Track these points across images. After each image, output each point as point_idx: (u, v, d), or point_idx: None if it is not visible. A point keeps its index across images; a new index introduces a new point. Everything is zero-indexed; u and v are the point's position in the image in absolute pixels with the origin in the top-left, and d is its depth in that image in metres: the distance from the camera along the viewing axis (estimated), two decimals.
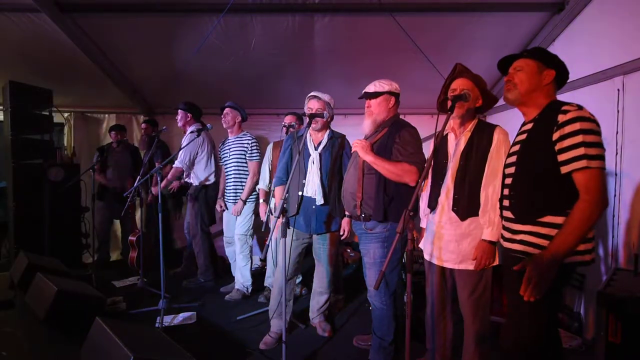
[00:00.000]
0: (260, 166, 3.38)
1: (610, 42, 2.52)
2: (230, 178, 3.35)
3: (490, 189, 1.81)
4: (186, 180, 3.68)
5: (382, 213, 2.07)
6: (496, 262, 1.87)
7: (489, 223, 1.80)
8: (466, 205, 1.85)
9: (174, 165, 3.49)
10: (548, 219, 1.43)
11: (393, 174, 2.02)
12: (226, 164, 3.40)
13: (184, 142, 3.43)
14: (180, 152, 3.42)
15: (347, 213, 2.43)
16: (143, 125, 4.34)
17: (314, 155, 2.48)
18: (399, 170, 2.01)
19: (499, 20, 3.01)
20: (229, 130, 3.41)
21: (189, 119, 3.59)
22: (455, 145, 1.93)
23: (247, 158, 3.31)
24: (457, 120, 1.94)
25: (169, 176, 3.49)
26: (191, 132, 3.44)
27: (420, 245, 2.11)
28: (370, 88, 2.18)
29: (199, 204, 3.56)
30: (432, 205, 1.99)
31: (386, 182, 2.07)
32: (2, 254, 4.13)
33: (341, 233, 2.52)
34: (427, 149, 2.17)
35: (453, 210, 1.88)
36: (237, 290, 3.35)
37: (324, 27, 3.12)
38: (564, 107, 1.41)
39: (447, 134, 2.00)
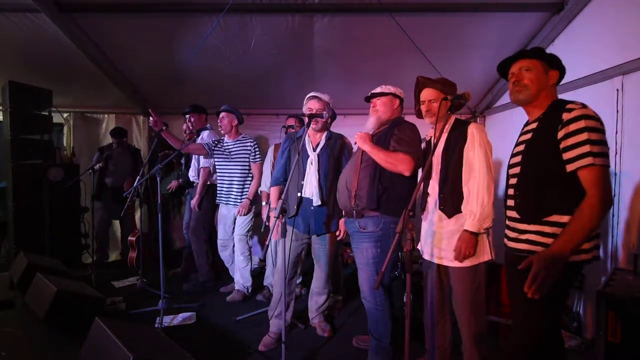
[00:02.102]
0: (262, 166, 3.39)
1: (609, 43, 2.52)
2: (235, 180, 3.31)
3: (471, 183, 1.86)
4: (192, 179, 3.69)
5: (375, 200, 2.08)
6: (487, 257, 1.90)
7: (470, 214, 1.84)
8: (451, 203, 1.91)
9: (200, 167, 3.51)
10: (555, 218, 1.42)
11: (388, 162, 2.04)
12: (226, 167, 3.36)
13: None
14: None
15: (343, 212, 2.44)
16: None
17: (312, 157, 2.48)
18: (394, 159, 2.03)
19: (499, 21, 3.01)
20: (226, 135, 3.39)
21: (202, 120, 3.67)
22: (437, 147, 1.98)
23: (251, 160, 3.31)
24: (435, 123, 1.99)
25: (202, 179, 3.49)
26: (196, 131, 3.47)
27: (418, 246, 2.15)
28: (377, 89, 2.24)
29: (205, 204, 3.55)
30: (423, 205, 2.06)
31: (381, 173, 2.09)
32: (1, 254, 4.13)
33: (337, 234, 2.52)
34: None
35: (440, 209, 1.94)
36: (237, 291, 3.34)
37: (323, 27, 3.12)
38: (568, 106, 1.41)
39: (430, 137, 2.10)
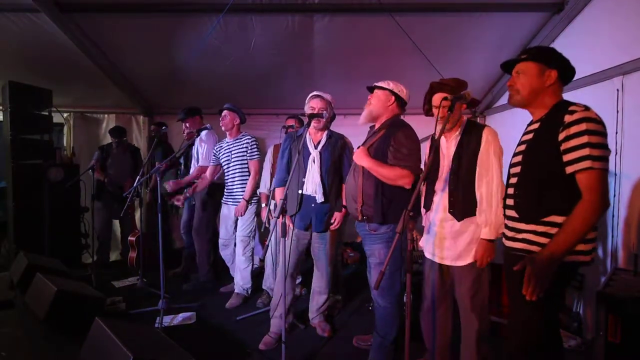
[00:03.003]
0: (261, 164, 3.37)
1: (609, 43, 2.52)
2: (236, 180, 3.30)
3: (484, 189, 1.85)
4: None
5: (380, 215, 2.09)
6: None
7: (486, 222, 1.84)
8: (462, 206, 1.90)
9: (199, 165, 3.54)
10: (552, 218, 1.43)
11: (387, 178, 2.06)
12: (227, 167, 3.34)
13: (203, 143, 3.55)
14: (202, 152, 3.52)
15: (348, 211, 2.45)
16: (152, 127, 4.36)
17: (314, 154, 2.48)
18: (393, 175, 2.04)
19: (499, 21, 3.02)
20: (227, 133, 3.38)
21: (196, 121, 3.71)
22: (447, 148, 1.97)
23: (248, 157, 3.27)
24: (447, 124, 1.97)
25: (208, 176, 3.47)
26: (197, 131, 3.49)
27: (421, 244, 2.15)
28: (379, 83, 2.22)
29: (210, 203, 3.54)
30: (428, 205, 2.04)
31: (383, 185, 2.09)
32: (1, 254, 4.13)
33: (332, 221, 2.51)
34: (425, 149, 2.19)
35: (450, 212, 1.92)
36: (236, 295, 3.28)
37: (323, 27, 3.12)
38: (571, 108, 1.41)
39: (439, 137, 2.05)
